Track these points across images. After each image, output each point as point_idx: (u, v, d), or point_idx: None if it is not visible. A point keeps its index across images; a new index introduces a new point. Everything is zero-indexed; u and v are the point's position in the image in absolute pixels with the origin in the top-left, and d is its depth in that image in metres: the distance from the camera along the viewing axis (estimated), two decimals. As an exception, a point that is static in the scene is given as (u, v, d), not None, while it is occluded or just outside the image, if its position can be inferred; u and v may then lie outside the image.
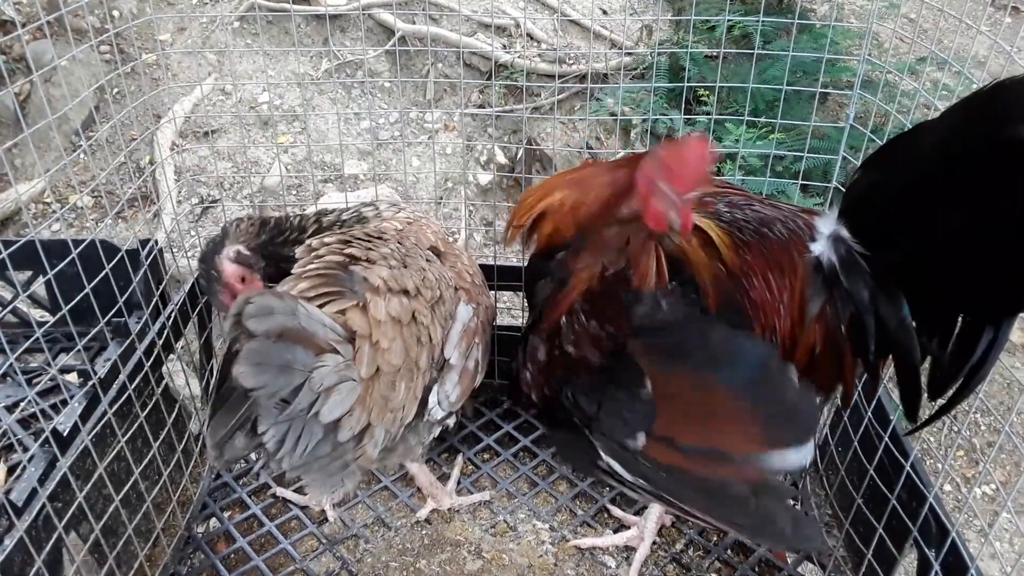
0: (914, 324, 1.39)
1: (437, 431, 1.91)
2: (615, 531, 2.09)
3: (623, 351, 1.51)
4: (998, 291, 1.26)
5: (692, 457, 1.43)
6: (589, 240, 1.59)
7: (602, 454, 1.57)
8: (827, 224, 1.51)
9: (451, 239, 2.10)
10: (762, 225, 1.57)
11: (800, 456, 1.35)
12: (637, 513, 2.10)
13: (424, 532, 2.08)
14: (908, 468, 1.67)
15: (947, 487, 3.53)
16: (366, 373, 1.55)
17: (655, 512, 1.99)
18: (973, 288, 1.30)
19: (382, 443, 1.67)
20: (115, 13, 4.98)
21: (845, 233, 1.46)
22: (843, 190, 2.13)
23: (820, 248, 1.50)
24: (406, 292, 1.67)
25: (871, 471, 1.80)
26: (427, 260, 1.83)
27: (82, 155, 4.02)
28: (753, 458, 1.37)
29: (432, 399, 1.78)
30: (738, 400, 1.40)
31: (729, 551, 2.04)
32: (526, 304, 2.53)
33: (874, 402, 1.81)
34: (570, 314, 1.60)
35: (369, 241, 1.76)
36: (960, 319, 1.34)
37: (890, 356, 1.45)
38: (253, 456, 2.31)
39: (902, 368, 1.42)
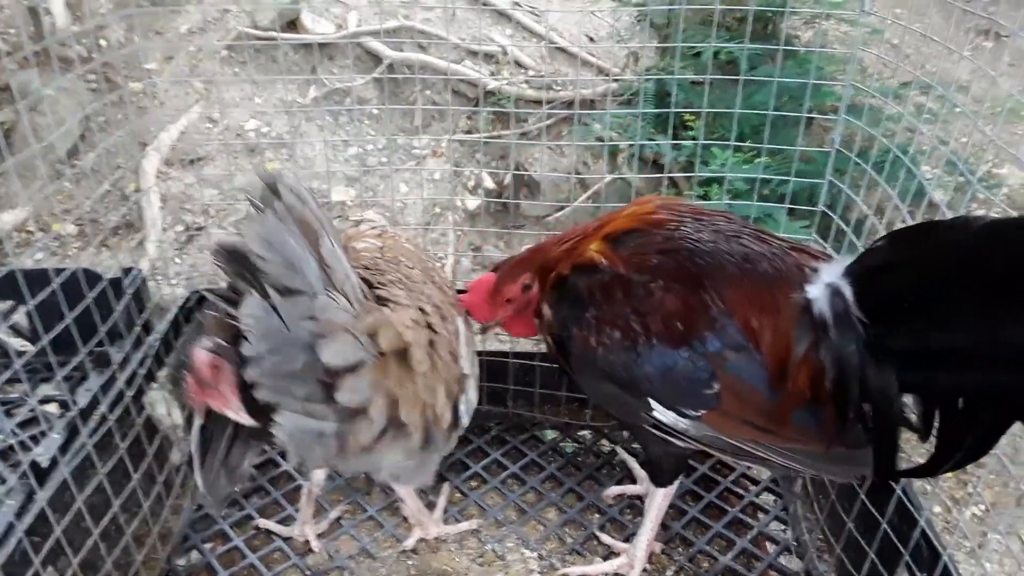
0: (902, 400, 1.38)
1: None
2: (604, 559, 2.06)
3: (692, 347, 1.56)
4: (1004, 402, 1.25)
5: (756, 428, 1.59)
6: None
7: (654, 408, 1.64)
8: (829, 272, 1.49)
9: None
10: (746, 261, 1.57)
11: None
12: (627, 540, 2.07)
13: (411, 563, 2.05)
14: (899, 491, 1.66)
15: (936, 508, 3.50)
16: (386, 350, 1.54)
17: (644, 539, 1.97)
18: (967, 391, 1.29)
19: (427, 441, 1.69)
20: (102, 43, 4.98)
21: (848, 292, 1.43)
22: (832, 216, 2.15)
23: (815, 294, 1.48)
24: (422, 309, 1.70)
25: (861, 495, 1.79)
26: (424, 282, 1.82)
27: (67, 183, 4.00)
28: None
29: (461, 408, 1.81)
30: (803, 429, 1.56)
31: (721, 578, 2.02)
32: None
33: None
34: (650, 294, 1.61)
35: (373, 270, 1.75)
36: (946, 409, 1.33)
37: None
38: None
39: (880, 439, 1.42)
